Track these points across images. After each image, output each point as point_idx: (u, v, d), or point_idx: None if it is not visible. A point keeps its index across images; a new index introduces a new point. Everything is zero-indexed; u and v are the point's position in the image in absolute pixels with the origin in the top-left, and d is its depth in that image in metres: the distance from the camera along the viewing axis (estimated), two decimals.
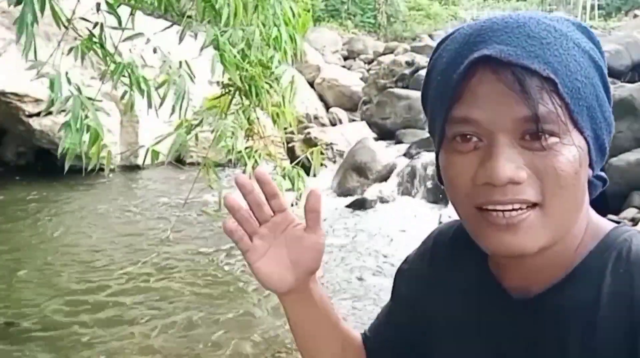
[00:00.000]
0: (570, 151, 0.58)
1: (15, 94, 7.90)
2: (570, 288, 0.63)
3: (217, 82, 2.92)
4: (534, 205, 0.58)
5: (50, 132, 8.38)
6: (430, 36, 18.20)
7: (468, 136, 0.60)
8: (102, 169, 2.39)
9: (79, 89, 2.22)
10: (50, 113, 8.33)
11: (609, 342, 0.58)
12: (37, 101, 7.99)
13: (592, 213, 0.67)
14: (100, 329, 3.84)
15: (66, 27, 2.30)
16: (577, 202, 0.61)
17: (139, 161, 9.01)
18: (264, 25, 2.71)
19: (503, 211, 0.58)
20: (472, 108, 0.58)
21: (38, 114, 8.19)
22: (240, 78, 2.70)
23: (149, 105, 2.48)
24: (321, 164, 8.99)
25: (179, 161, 9.48)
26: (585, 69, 0.59)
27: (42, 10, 2.00)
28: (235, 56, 2.54)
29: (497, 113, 0.57)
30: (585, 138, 0.59)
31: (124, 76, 2.34)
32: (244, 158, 2.75)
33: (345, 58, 16.66)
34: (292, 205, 2.92)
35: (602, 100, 0.61)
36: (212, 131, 2.64)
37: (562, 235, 0.61)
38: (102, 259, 5.23)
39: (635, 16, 18.50)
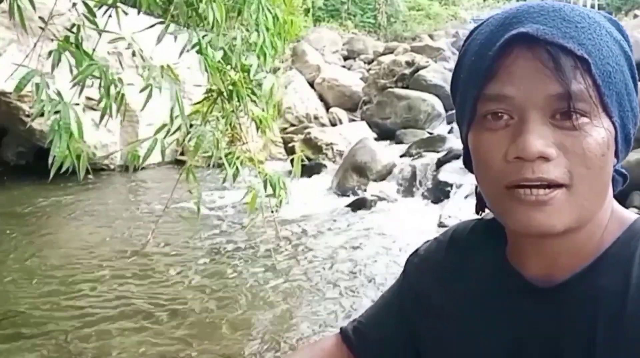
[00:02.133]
0: (599, 133, 0.58)
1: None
2: (598, 275, 0.63)
3: (207, 88, 2.92)
4: (561, 186, 0.59)
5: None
6: (430, 36, 18.22)
7: (500, 114, 0.60)
8: (101, 170, 2.40)
9: (59, 94, 2.21)
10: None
11: (637, 328, 0.58)
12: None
13: (615, 203, 0.67)
14: (96, 329, 3.84)
15: (42, 29, 2.29)
16: (603, 185, 0.62)
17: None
18: (247, 30, 2.71)
19: (531, 187, 0.58)
20: (506, 85, 0.59)
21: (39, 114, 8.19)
22: (222, 83, 2.69)
23: (118, 110, 2.47)
24: (323, 166, 8.96)
25: (179, 161, 9.50)
26: (617, 57, 0.60)
27: None
28: (219, 61, 2.54)
29: (531, 90, 0.58)
30: (613, 123, 0.60)
31: (96, 77, 2.31)
32: (224, 164, 2.74)
33: (345, 58, 16.66)
34: (272, 211, 2.93)
35: (630, 89, 0.62)
36: (190, 139, 2.64)
37: (588, 218, 0.62)
38: (100, 259, 5.23)
39: (635, 16, 18.49)
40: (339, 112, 11.91)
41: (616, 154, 0.63)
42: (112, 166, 8.95)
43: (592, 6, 21.47)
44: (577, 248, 0.64)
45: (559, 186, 0.58)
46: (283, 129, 10.30)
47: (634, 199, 5.47)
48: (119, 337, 3.75)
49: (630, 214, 0.67)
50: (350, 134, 9.28)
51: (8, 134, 9.22)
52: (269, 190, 2.85)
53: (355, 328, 0.86)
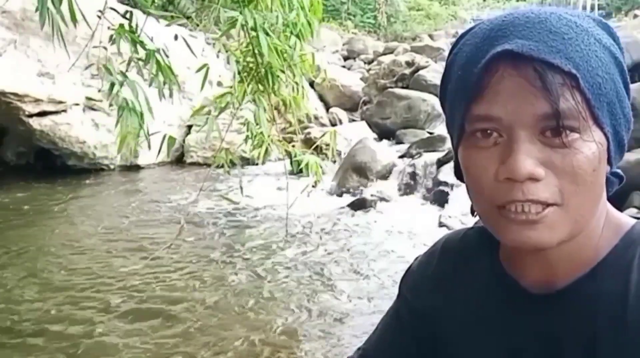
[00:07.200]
0: (590, 148, 0.57)
1: (15, 94, 7.90)
2: (597, 281, 0.62)
3: (218, 83, 2.94)
4: (552, 204, 0.58)
5: (50, 133, 8.38)
6: (430, 36, 18.24)
7: (489, 131, 0.59)
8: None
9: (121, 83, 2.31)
10: (49, 113, 8.20)
11: (637, 334, 0.58)
12: (37, 101, 8.00)
13: (611, 208, 0.67)
14: (97, 330, 3.84)
15: (99, 17, 2.36)
16: (595, 198, 0.61)
17: (139, 161, 9.02)
18: (284, 10, 2.76)
19: (523, 203, 0.58)
20: (493, 105, 0.58)
21: (38, 114, 8.20)
22: (258, 64, 2.73)
23: (170, 92, 2.53)
24: (321, 166, 8.97)
25: (178, 161, 9.50)
26: (607, 65, 0.59)
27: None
28: (272, 38, 2.59)
29: (518, 109, 0.57)
30: (605, 134, 0.59)
31: (156, 61, 2.39)
32: (259, 140, 2.77)
33: (345, 58, 16.67)
34: (313, 186, 2.96)
35: (622, 96, 0.61)
36: (245, 125, 2.68)
37: (581, 229, 0.61)
38: (100, 260, 5.23)
39: (635, 16, 18.49)
40: (339, 112, 11.91)
41: (609, 162, 0.62)
42: (112, 166, 8.95)
43: (592, 6, 21.47)
44: (573, 256, 0.63)
45: (550, 204, 0.58)
46: (282, 129, 10.29)
47: (634, 199, 5.46)
48: (125, 336, 3.75)
49: (626, 219, 0.66)
50: (350, 134, 9.28)
51: (8, 134, 9.22)
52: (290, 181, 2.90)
53: (361, 356, 0.86)
